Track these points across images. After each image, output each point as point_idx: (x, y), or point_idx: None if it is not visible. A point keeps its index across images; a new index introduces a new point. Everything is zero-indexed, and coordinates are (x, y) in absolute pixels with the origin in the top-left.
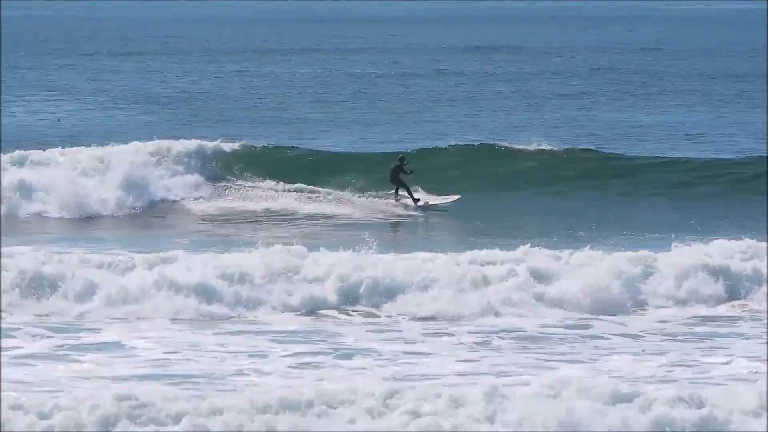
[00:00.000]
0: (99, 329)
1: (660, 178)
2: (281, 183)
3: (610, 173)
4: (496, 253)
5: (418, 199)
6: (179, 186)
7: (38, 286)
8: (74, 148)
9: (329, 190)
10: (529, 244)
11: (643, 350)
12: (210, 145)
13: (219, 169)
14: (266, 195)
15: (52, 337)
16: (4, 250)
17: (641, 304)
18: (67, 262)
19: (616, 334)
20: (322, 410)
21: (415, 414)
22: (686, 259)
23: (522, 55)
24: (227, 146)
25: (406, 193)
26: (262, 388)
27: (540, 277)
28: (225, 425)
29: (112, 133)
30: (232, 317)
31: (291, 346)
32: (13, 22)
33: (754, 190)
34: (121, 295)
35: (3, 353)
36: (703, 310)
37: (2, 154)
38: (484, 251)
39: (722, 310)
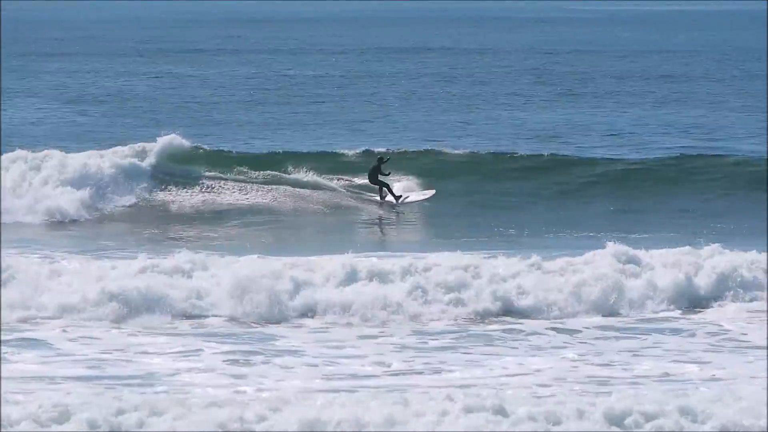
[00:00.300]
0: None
1: (594, 176)
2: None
3: (539, 173)
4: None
5: (400, 196)
6: (111, 191)
7: None
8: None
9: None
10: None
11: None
12: (143, 147)
13: (157, 170)
14: (213, 189)
15: None
16: None
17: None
18: None
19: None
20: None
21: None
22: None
23: (453, 57)
24: (161, 147)
25: (387, 192)
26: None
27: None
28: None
29: (39, 136)
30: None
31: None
32: None
33: (680, 187)
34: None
35: None
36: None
37: None
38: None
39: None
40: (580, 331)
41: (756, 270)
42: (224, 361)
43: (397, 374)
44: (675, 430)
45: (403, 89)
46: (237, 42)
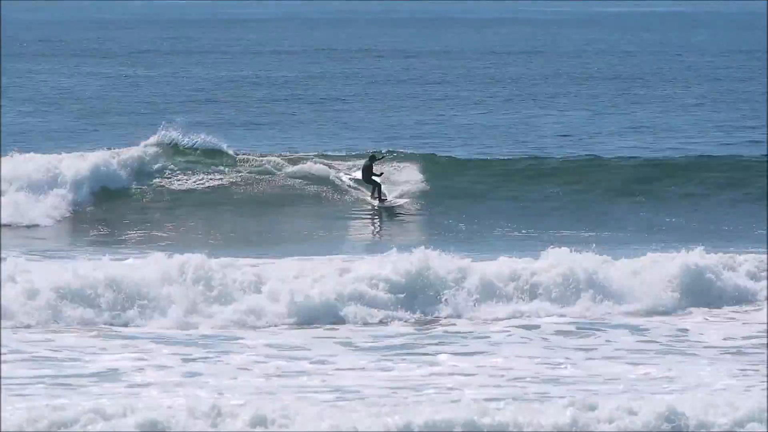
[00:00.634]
0: None
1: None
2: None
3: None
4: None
5: (385, 199)
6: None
7: None
8: None
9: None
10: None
11: None
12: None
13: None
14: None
15: None
16: None
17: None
18: None
19: None
20: None
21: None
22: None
23: (406, 59)
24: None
25: (375, 190)
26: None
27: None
28: None
29: None
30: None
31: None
32: None
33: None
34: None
35: None
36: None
37: None
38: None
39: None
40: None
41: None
42: None
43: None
44: None
45: (349, 90)
46: (187, 43)
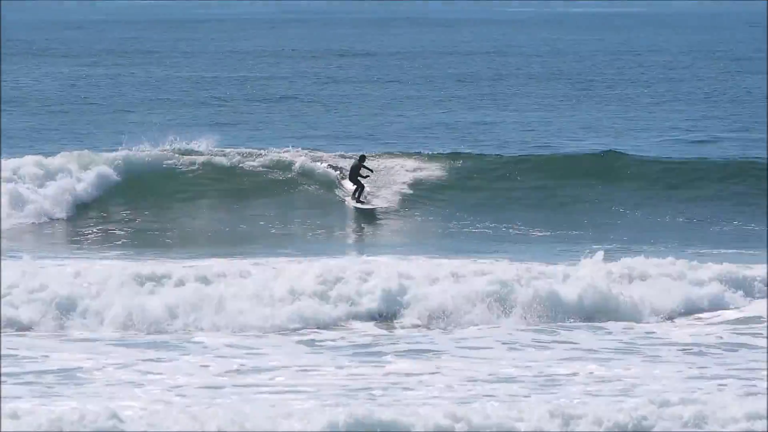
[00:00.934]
0: None
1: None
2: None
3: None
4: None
5: (363, 201)
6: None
7: None
8: None
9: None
10: None
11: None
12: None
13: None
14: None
15: None
16: None
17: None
18: None
19: None
20: None
21: None
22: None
23: (371, 59)
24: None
25: (358, 190)
26: None
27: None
28: None
29: None
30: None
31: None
32: None
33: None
34: None
35: None
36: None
37: None
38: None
39: None
40: None
41: None
42: None
43: None
44: None
45: (312, 90)
46: (152, 43)
